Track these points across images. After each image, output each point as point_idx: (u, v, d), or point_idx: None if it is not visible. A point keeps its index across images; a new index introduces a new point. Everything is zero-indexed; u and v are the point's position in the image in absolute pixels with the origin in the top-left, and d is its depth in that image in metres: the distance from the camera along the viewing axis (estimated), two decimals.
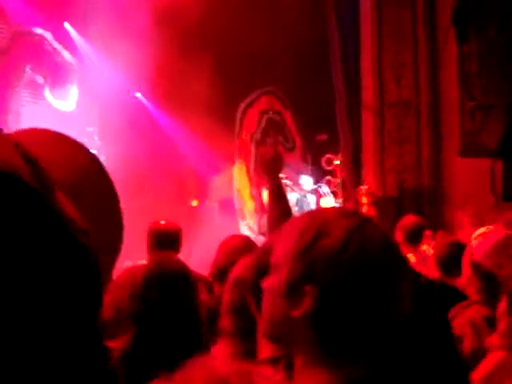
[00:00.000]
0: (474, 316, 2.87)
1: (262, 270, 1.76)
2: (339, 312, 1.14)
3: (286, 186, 9.89)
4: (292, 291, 1.17)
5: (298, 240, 1.18)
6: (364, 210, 6.37)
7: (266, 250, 1.85)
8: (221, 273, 3.54)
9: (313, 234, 1.17)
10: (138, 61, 9.45)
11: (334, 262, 1.14)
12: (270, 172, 2.77)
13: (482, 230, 3.30)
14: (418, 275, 4.01)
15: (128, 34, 9.62)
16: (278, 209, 2.64)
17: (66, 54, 10.29)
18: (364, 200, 6.36)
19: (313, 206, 10.38)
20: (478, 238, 3.11)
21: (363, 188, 7.26)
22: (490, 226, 3.98)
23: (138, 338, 2.15)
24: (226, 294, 2.15)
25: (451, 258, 3.73)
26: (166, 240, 3.97)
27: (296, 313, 1.16)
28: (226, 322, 2.31)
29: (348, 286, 1.14)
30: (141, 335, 2.16)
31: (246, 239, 3.64)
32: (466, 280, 3.14)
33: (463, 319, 2.91)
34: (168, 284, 2.25)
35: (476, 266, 2.96)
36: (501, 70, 8.46)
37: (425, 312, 3.14)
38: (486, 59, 8.54)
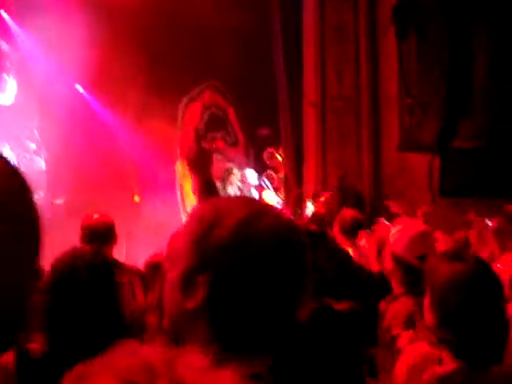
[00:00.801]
0: (400, 309, 2.94)
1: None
2: (230, 302, 1.13)
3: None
4: (186, 282, 1.16)
5: (193, 231, 1.18)
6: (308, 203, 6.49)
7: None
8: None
9: (207, 225, 1.16)
10: (77, 52, 9.28)
11: (224, 251, 1.13)
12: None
13: (399, 225, 3.37)
14: (360, 267, 4.11)
15: (67, 25, 9.43)
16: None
17: (3, 44, 10.00)
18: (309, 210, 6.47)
19: None
20: (397, 232, 3.18)
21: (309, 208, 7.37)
22: (408, 220, 4.09)
23: (53, 333, 2.17)
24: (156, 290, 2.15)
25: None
26: (98, 234, 3.92)
27: (190, 304, 1.15)
28: (152, 318, 2.30)
29: (237, 276, 1.13)
30: (56, 330, 2.18)
31: None
32: (388, 273, 3.23)
33: (391, 312, 2.98)
34: (75, 275, 2.29)
35: (397, 259, 3.04)
36: (438, 68, 8.68)
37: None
38: (423, 57, 8.74)
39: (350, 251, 4.84)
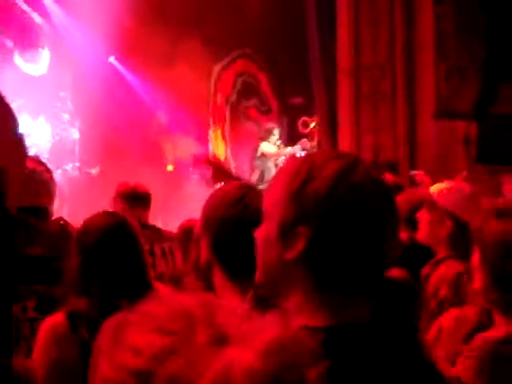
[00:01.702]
0: (447, 272, 2.86)
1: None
2: (331, 251, 1.15)
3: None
4: (285, 234, 1.18)
5: (289, 184, 1.19)
6: None
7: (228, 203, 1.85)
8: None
9: (303, 177, 1.17)
10: (110, 24, 9.28)
11: (324, 202, 1.14)
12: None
13: (441, 184, 3.24)
14: None
15: None
16: None
17: (36, 17, 10.06)
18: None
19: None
20: (445, 189, 3.06)
21: None
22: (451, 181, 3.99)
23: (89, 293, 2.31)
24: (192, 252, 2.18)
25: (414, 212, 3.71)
26: (133, 199, 3.96)
27: (290, 255, 1.17)
28: (189, 280, 2.34)
29: (338, 226, 1.14)
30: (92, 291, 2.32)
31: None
32: (424, 237, 3.11)
33: (437, 276, 2.90)
34: (102, 233, 2.43)
35: (448, 216, 2.93)
36: (475, 31, 8.47)
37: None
38: (460, 20, 8.54)
39: None
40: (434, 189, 3.07)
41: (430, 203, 3.02)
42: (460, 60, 8.56)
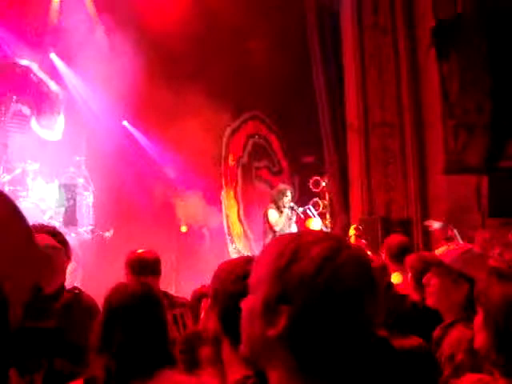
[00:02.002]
0: (461, 335, 2.79)
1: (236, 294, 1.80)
2: (312, 332, 1.17)
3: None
4: (268, 311, 1.20)
5: (276, 261, 1.22)
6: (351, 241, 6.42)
7: (238, 275, 1.90)
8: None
9: (289, 256, 1.20)
10: (124, 89, 9.51)
11: (309, 284, 1.17)
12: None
13: (448, 247, 3.20)
14: (402, 297, 4.01)
15: (114, 63, 9.70)
16: None
17: (52, 84, 10.34)
18: (351, 232, 6.42)
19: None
20: (445, 251, 3.03)
21: (352, 222, 7.34)
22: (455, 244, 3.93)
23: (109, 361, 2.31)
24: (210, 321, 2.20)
25: (420, 272, 3.65)
26: (143, 267, 3.97)
27: (272, 332, 1.19)
28: (207, 351, 2.34)
29: (320, 308, 1.17)
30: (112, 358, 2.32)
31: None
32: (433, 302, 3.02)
33: (450, 340, 2.83)
34: (125, 305, 2.43)
35: (463, 277, 2.88)
36: (481, 88, 8.59)
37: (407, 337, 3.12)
38: (465, 77, 8.66)
39: (398, 276, 4.77)
40: (442, 252, 3.03)
41: (440, 267, 2.96)
42: (467, 116, 8.66)
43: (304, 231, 1.33)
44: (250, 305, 1.27)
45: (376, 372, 1.31)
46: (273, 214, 9.69)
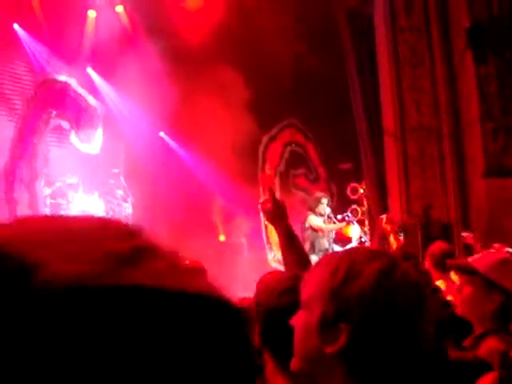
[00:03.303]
0: (493, 348, 2.70)
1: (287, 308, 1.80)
2: (371, 349, 1.19)
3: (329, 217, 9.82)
4: (326, 328, 1.21)
5: (331, 279, 1.23)
6: (390, 239, 6.33)
7: (288, 289, 1.89)
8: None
9: (345, 273, 1.22)
10: (160, 101, 9.62)
11: (368, 301, 1.19)
12: (274, 221, 2.84)
13: (484, 254, 3.09)
14: (445, 304, 3.93)
15: (149, 75, 9.84)
16: (291, 257, 2.69)
17: (91, 99, 10.51)
18: (388, 228, 6.33)
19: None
20: (480, 258, 2.93)
21: (384, 216, 7.22)
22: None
23: None
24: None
25: None
26: None
27: (330, 349, 1.20)
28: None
29: (380, 325, 1.18)
30: None
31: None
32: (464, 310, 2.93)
33: (482, 352, 2.74)
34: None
35: (490, 285, 2.79)
36: None
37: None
38: (503, 80, 8.53)
39: (442, 284, 4.70)
40: (477, 259, 2.93)
41: (474, 275, 2.87)
42: (505, 119, 8.52)
43: (354, 249, 1.35)
44: (303, 321, 1.27)
45: None
46: (314, 219, 9.70)
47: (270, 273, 2.17)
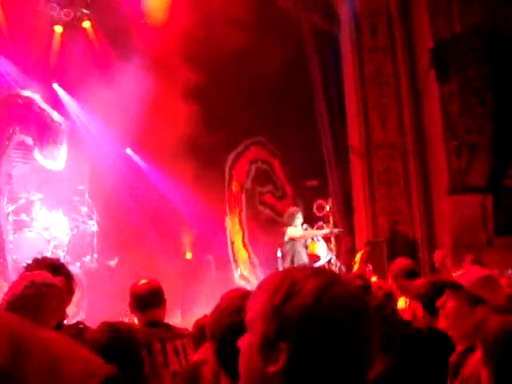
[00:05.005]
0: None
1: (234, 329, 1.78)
2: (313, 367, 1.17)
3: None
4: (267, 348, 1.20)
5: (271, 298, 1.22)
6: (355, 266, 6.38)
7: (234, 310, 1.87)
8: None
9: (284, 293, 1.21)
10: (126, 117, 9.56)
11: (307, 319, 1.17)
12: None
13: (462, 270, 3.14)
14: (406, 324, 3.94)
15: (115, 91, 9.77)
16: None
17: (55, 115, 10.40)
18: (357, 258, 6.34)
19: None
20: (465, 275, 2.97)
21: (358, 248, 7.26)
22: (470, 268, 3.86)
23: None
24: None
25: (431, 298, 3.57)
26: (145, 301, 3.95)
27: (272, 369, 1.19)
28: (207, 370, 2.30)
29: (318, 342, 1.17)
30: None
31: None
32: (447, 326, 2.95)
33: (472, 363, 2.75)
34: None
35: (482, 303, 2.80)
36: (482, 108, 8.60)
37: (414, 362, 3.05)
38: (466, 99, 8.68)
39: (405, 301, 4.72)
40: (462, 276, 2.96)
41: (458, 291, 2.89)
42: (469, 136, 8.66)
43: (295, 267, 1.33)
44: (247, 342, 1.26)
45: None
46: (293, 230, 9.71)
47: (231, 290, 2.15)
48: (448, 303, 2.88)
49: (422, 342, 3.40)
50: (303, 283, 1.20)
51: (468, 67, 8.56)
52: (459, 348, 2.83)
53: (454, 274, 3.11)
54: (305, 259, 9.77)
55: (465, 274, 2.96)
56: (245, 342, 1.27)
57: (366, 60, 9.91)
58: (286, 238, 9.81)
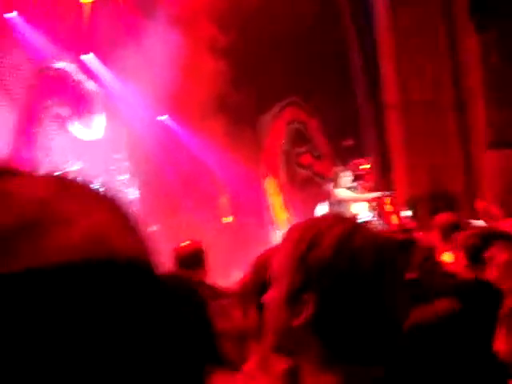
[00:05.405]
0: None
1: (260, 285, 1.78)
2: (338, 316, 1.17)
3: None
4: (292, 301, 1.20)
5: (295, 250, 1.22)
6: (392, 218, 6.28)
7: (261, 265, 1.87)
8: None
9: (305, 245, 1.20)
10: (161, 85, 9.56)
11: (328, 270, 1.17)
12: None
13: None
14: (451, 275, 3.90)
15: (150, 59, 9.76)
16: None
17: (90, 84, 10.44)
18: (389, 208, 6.23)
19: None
20: None
21: (386, 198, 7.15)
22: None
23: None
24: None
25: (479, 248, 3.53)
26: (187, 261, 4.01)
27: (298, 321, 1.19)
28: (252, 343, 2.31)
29: (343, 292, 1.17)
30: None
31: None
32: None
33: None
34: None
35: None
36: None
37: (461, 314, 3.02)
38: (506, 49, 8.44)
39: (450, 255, 4.69)
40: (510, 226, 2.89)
41: (509, 242, 2.83)
42: (509, 89, 8.43)
43: (319, 217, 1.33)
44: (273, 297, 1.26)
45: (404, 353, 1.29)
46: (342, 191, 9.60)
47: (269, 249, 2.14)
48: (499, 254, 2.84)
49: (470, 293, 3.37)
50: (325, 233, 1.20)
51: (508, 16, 8.29)
52: (509, 301, 2.78)
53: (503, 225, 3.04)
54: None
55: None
56: (270, 297, 1.27)
57: (399, 10, 9.65)
58: (334, 199, 9.71)
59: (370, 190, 11.28)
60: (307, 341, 1.19)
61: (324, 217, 1.29)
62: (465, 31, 9.03)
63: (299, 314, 1.19)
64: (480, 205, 7.60)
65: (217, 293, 3.94)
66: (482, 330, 2.83)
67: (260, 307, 1.89)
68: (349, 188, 9.80)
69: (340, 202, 9.67)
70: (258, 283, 1.90)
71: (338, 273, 1.17)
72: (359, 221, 9.98)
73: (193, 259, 4.06)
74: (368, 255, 1.19)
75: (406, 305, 1.24)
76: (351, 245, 1.18)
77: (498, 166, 8.68)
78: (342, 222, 1.24)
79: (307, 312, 1.18)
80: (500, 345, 2.59)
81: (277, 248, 1.34)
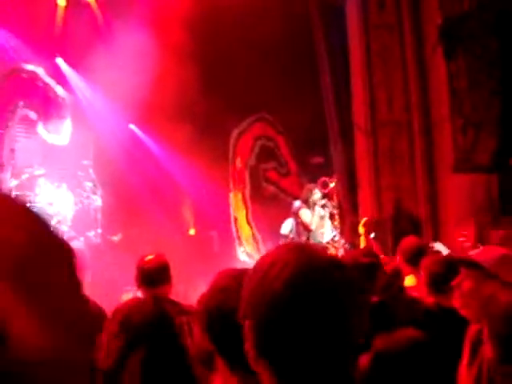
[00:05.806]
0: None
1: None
2: (285, 345, 1.15)
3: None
4: (243, 327, 1.21)
5: (248, 281, 1.23)
6: (361, 239, 6.33)
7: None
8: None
9: (260, 275, 1.19)
10: (130, 92, 9.49)
11: (267, 300, 1.16)
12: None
13: (485, 249, 3.11)
14: (414, 301, 3.93)
15: (119, 65, 9.69)
16: None
17: (59, 89, 10.34)
18: (361, 230, 6.29)
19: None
20: (482, 253, 2.94)
21: (363, 220, 7.17)
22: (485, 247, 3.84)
23: None
24: None
25: (443, 275, 3.57)
26: (152, 276, 3.92)
27: (246, 347, 1.20)
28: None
29: (281, 323, 1.14)
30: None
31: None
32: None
33: None
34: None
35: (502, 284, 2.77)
36: (489, 86, 8.52)
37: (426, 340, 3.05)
38: (473, 76, 8.59)
39: (412, 279, 4.72)
40: (479, 254, 2.92)
41: (476, 270, 2.85)
42: (475, 114, 8.58)
43: (275, 248, 1.29)
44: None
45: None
46: (306, 213, 9.69)
47: (225, 270, 2.10)
48: (465, 282, 2.85)
49: (433, 320, 3.39)
50: (272, 267, 1.18)
51: (476, 44, 8.46)
52: (474, 327, 2.81)
53: (470, 253, 3.08)
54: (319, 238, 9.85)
55: (481, 252, 2.93)
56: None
57: (372, 35, 9.79)
58: (298, 219, 9.83)
59: (334, 209, 11.38)
60: (259, 365, 1.19)
61: (280, 247, 1.27)
62: (434, 56, 9.18)
63: (247, 340, 1.20)
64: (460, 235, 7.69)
65: (181, 309, 3.89)
66: (447, 358, 2.84)
67: (209, 330, 1.87)
68: (321, 206, 9.88)
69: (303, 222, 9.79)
70: (210, 306, 1.88)
71: (271, 299, 1.15)
72: (321, 242, 10.08)
73: (157, 275, 3.95)
74: (309, 288, 1.15)
75: (364, 329, 1.20)
76: (293, 282, 1.15)
77: (463, 190, 8.81)
78: (291, 251, 1.20)
79: (249, 338, 1.18)
80: (464, 372, 2.61)
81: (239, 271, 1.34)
